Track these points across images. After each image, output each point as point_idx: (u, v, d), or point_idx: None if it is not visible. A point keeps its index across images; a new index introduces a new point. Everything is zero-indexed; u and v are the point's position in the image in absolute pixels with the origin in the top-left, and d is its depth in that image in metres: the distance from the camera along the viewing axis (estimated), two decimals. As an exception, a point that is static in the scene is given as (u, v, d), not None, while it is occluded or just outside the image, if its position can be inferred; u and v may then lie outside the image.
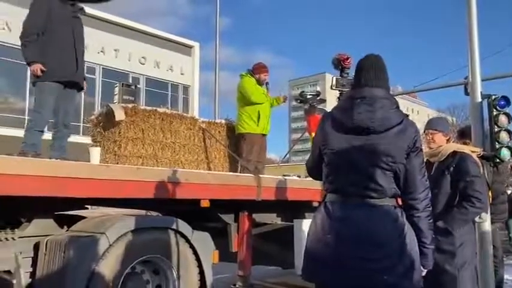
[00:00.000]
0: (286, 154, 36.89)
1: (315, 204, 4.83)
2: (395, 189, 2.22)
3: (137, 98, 6.94)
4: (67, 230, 3.69)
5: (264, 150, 6.39)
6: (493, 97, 5.37)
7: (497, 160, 5.29)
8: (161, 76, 23.23)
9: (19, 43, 4.34)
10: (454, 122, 40.85)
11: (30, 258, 3.42)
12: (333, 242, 2.17)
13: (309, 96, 5.91)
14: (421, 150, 2.29)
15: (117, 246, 3.49)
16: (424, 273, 2.27)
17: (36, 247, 3.44)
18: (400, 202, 2.27)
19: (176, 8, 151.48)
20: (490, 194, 4.41)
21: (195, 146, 5.97)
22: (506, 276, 6.13)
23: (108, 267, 3.39)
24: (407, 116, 2.33)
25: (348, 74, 5.05)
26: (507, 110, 5.37)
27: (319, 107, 5.98)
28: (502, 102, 5.36)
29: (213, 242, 4.25)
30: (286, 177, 5.49)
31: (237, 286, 4.83)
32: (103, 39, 20.28)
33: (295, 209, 5.16)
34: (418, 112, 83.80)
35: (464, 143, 4.69)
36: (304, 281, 2.37)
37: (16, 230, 3.44)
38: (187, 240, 4.01)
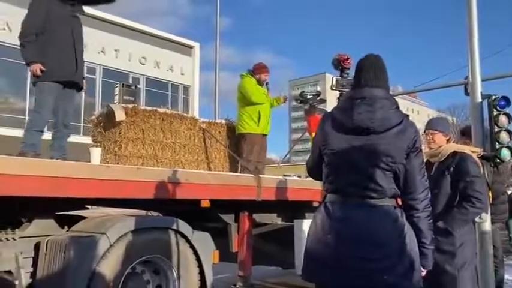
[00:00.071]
0: (287, 154, 36.94)
1: (315, 204, 4.83)
2: (395, 190, 2.22)
3: (137, 98, 6.95)
4: (67, 230, 3.69)
5: (264, 150, 6.39)
6: (493, 97, 5.38)
7: (498, 160, 5.29)
8: (161, 76, 23.23)
9: (19, 43, 4.35)
10: (454, 122, 40.85)
11: (31, 259, 3.42)
12: (333, 242, 2.17)
13: (309, 97, 5.91)
14: (421, 150, 2.29)
15: (118, 246, 3.49)
16: (424, 274, 2.27)
17: (37, 247, 3.44)
18: (400, 202, 2.27)
19: (176, 8, 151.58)
20: (490, 194, 4.41)
21: (196, 146, 5.97)
22: (506, 276, 6.13)
23: (108, 267, 3.40)
24: (408, 116, 2.33)
25: (347, 74, 5.05)
26: (507, 110, 5.38)
27: (319, 107, 5.98)
28: (502, 103, 5.37)
29: (214, 242, 4.26)
30: (286, 178, 5.49)
31: (237, 286, 4.83)
32: (103, 40, 20.28)
33: (295, 209, 5.16)
34: (418, 112, 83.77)
35: (465, 143, 4.70)
36: (304, 281, 2.37)
37: (17, 230, 3.44)
38: (188, 241, 4.01)
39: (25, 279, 3.32)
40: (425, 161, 3.12)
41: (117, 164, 4.99)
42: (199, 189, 4.04)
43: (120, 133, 5.25)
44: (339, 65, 5.06)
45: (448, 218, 3.46)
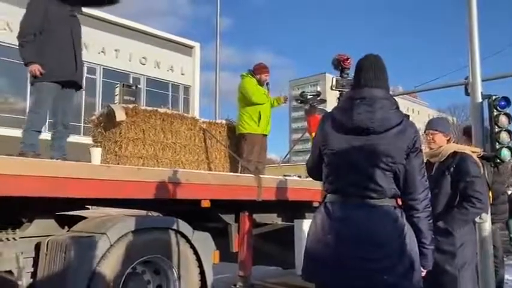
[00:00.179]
0: (287, 154, 36.86)
1: (316, 204, 4.83)
2: (395, 190, 2.22)
3: (138, 99, 6.96)
4: (68, 231, 3.69)
5: (264, 150, 6.39)
6: (494, 97, 5.39)
7: (498, 160, 5.29)
8: (162, 76, 23.24)
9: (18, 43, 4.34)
10: (454, 122, 40.84)
11: (32, 259, 3.42)
12: (333, 242, 2.17)
13: (309, 97, 5.92)
14: (421, 150, 2.29)
15: (118, 246, 3.49)
16: (423, 274, 2.27)
17: (37, 247, 3.44)
18: (400, 202, 2.27)
19: (176, 8, 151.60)
20: (490, 194, 4.41)
21: (196, 146, 5.97)
22: (506, 277, 6.13)
23: (109, 267, 3.40)
24: (408, 116, 2.33)
25: (347, 74, 5.05)
26: (507, 110, 5.38)
27: (319, 107, 5.98)
28: (503, 103, 5.37)
29: (214, 242, 4.26)
30: (286, 178, 5.49)
31: (237, 286, 4.83)
32: (103, 40, 20.29)
33: (295, 209, 5.16)
34: (418, 112, 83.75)
35: (467, 142, 4.70)
36: (304, 281, 2.38)
37: (17, 230, 3.45)
38: (188, 241, 4.01)
39: (26, 279, 3.32)
40: (425, 161, 3.12)
41: (118, 164, 4.99)
42: (200, 189, 4.04)
43: (120, 133, 5.25)
44: (339, 65, 5.06)
45: (448, 218, 3.46)
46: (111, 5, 5.19)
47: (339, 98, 4.85)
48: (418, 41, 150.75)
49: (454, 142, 3.94)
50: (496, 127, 5.33)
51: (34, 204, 3.34)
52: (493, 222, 5.30)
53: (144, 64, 22.44)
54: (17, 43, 4.34)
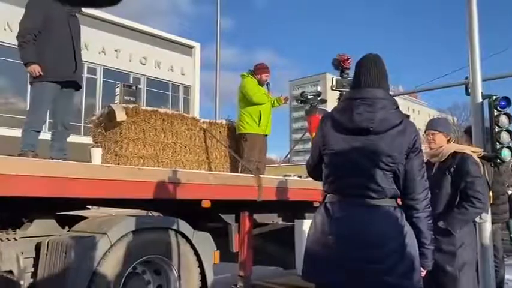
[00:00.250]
0: (287, 154, 36.86)
1: (316, 204, 4.83)
2: (395, 190, 2.22)
3: (138, 99, 6.95)
4: (68, 231, 3.70)
5: (264, 150, 6.39)
6: (494, 97, 5.38)
7: (498, 160, 5.29)
8: (162, 76, 23.25)
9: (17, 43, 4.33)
10: (455, 122, 40.85)
11: (32, 259, 3.43)
12: (333, 242, 2.17)
13: (309, 97, 5.92)
14: (421, 150, 2.29)
15: (119, 246, 3.50)
16: (423, 274, 2.27)
17: (38, 247, 3.45)
18: (400, 202, 2.27)
19: (178, 8, 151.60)
20: (490, 194, 4.41)
21: (196, 146, 5.97)
22: (507, 277, 6.12)
23: (109, 267, 3.40)
24: (408, 116, 2.33)
25: (347, 74, 5.05)
26: (508, 110, 5.38)
27: (319, 107, 5.99)
28: (503, 103, 5.37)
29: (214, 242, 4.26)
30: (287, 178, 5.49)
31: (238, 286, 4.82)
32: (104, 40, 20.31)
33: (296, 209, 5.16)
34: (419, 112, 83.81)
35: (468, 142, 4.70)
36: (304, 282, 2.38)
37: (18, 230, 3.45)
38: (188, 241, 4.01)
39: (26, 279, 3.33)
40: (425, 161, 3.12)
41: (118, 164, 4.99)
42: (200, 190, 4.04)
43: (121, 133, 5.25)
44: (339, 65, 5.06)
45: (448, 218, 3.46)
46: (111, 6, 5.16)
47: (339, 98, 4.85)
48: (419, 41, 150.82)
49: (454, 142, 3.94)
50: (497, 127, 5.33)
51: (34, 204, 3.35)
52: (493, 222, 5.30)
53: (144, 64, 22.46)
54: (17, 43, 4.34)
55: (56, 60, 4.33)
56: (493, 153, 5.22)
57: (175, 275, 3.92)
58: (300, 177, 6.76)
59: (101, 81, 20.55)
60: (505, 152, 5.25)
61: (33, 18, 4.30)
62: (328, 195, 2.33)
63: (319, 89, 37.47)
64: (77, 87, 4.68)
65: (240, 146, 6.23)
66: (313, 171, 2.52)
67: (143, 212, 4.67)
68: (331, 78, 5.33)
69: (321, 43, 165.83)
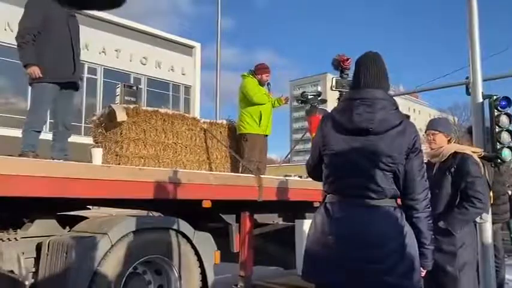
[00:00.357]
0: (288, 154, 36.87)
1: (316, 204, 4.83)
2: (395, 190, 2.22)
3: (139, 99, 6.95)
4: (69, 231, 3.70)
5: (265, 150, 6.40)
6: (494, 97, 5.38)
7: (499, 161, 5.29)
8: (163, 76, 23.26)
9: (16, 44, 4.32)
10: (455, 122, 40.85)
11: (33, 259, 3.43)
12: (333, 242, 2.18)
13: (310, 97, 5.92)
14: (421, 151, 2.29)
15: (119, 246, 3.50)
16: (423, 274, 2.27)
17: (39, 247, 3.46)
18: (400, 203, 2.27)
19: (178, 9, 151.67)
20: (491, 194, 4.41)
21: (197, 146, 5.97)
22: (507, 277, 6.12)
23: (110, 267, 3.41)
24: (408, 116, 2.33)
25: (347, 75, 5.05)
26: (508, 110, 5.37)
27: (320, 107, 5.99)
28: (504, 103, 5.36)
29: (215, 242, 4.26)
30: (287, 178, 5.49)
31: (238, 286, 4.82)
32: (104, 40, 20.31)
33: (296, 209, 5.16)
34: (419, 112, 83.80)
35: (470, 142, 4.69)
36: (305, 282, 2.38)
37: (19, 230, 3.46)
38: (189, 241, 4.02)
39: (27, 279, 3.33)
40: (426, 161, 3.12)
41: (119, 164, 4.99)
42: (201, 190, 4.04)
43: (121, 133, 5.25)
44: (339, 65, 5.06)
45: (448, 218, 3.46)
46: (111, 8, 5.15)
47: (338, 99, 4.85)
48: (419, 41, 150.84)
49: (454, 142, 3.94)
50: (497, 127, 5.32)
51: (35, 204, 3.35)
52: (493, 223, 5.30)
53: (145, 64, 22.46)
54: (16, 43, 4.33)
55: (55, 61, 4.32)
56: (493, 153, 5.21)
57: (176, 275, 3.92)
58: (300, 177, 6.76)
59: (102, 82, 20.56)
60: (506, 152, 5.25)
61: (33, 18, 4.29)
62: (328, 195, 2.33)
63: (319, 89, 37.47)
64: (76, 87, 4.68)
65: (240, 146, 6.23)
66: (313, 172, 2.52)
67: (144, 212, 4.68)
68: (331, 78, 5.33)
69: (321, 43, 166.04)
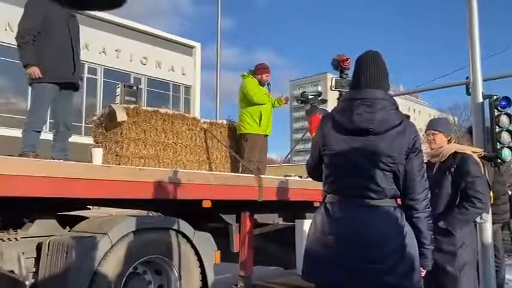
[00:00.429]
0: (288, 154, 36.87)
1: (316, 204, 4.83)
2: (395, 190, 2.22)
3: (139, 99, 6.94)
4: (69, 231, 3.71)
5: (265, 150, 6.40)
6: (494, 97, 5.38)
7: (499, 161, 5.29)
8: (163, 76, 23.26)
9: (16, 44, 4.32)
10: (455, 122, 40.85)
11: (33, 259, 3.44)
12: (333, 242, 2.18)
13: (310, 97, 5.92)
14: (421, 151, 2.29)
15: (119, 246, 3.50)
16: (423, 274, 2.27)
17: (39, 247, 3.46)
18: (400, 203, 2.27)
19: (178, 9, 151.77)
20: (491, 194, 4.41)
21: (197, 146, 5.97)
22: (507, 277, 6.12)
23: (110, 267, 3.41)
24: (408, 116, 2.33)
25: (347, 74, 5.05)
26: (508, 110, 5.37)
27: (320, 107, 5.99)
28: (504, 103, 5.36)
29: (215, 242, 4.26)
30: (287, 178, 5.49)
31: (238, 286, 4.83)
32: (104, 40, 20.32)
33: (296, 209, 5.16)
34: (419, 112, 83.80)
35: (471, 141, 4.69)
36: (305, 282, 2.38)
37: (19, 230, 3.46)
38: (189, 241, 4.02)
39: (27, 279, 3.33)
40: (426, 161, 3.12)
41: (119, 164, 4.99)
42: (201, 190, 4.04)
43: (121, 133, 5.25)
44: (339, 65, 5.05)
45: (449, 218, 3.47)
46: (111, 9, 5.14)
47: (338, 99, 4.85)
48: (419, 41, 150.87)
49: (455, 142, 3.94)
50: (497, 127, 5.32)
51: (35, 204, 3.35)
52: (493, 223, 5.30)
53: (145, 64, 22.47)
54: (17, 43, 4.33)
55: (55, 61, 4.32)
56: (493, 153, 5.21)
57: (176, 275, 3.93)
58: (300, 177, 6.76)
59: (102, 82, 20.56)
60: (506, 152, 5.25)
61: (33, 18, 4.29)
62: (328, 195, 2.33)
63: (319, 89, 37.44)
64: (76, 88, 4.68)
65: (240, 146, 6.24)
66: (313, 172, 2.52)
67: (144, 212, 4.68)
68: (331, 78, 5.33)
69: (321, 43, 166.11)
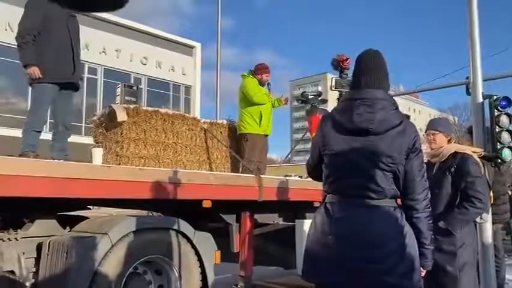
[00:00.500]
0: (288, 154, 36.87)
1: (317, 204, 4.83)
2: (395, 190, 2.22)
3: (139, 99, 6.94)
4: (69, 231, 3.71)
5: (265, 150, 6.40)
6: (495, 97, 5.37)
7: (499, 161, 5.29)
8: (163, 76, 23.27)
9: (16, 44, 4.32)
10: (455, 122, 40.86)
11: (33, 259, 3.44)
12: (333, 242, 2.18)
13: (310, 97, 5.92)
14: (421, 151, 2.29)
15: (120, 246, 3.51)
16: (423, 274, 2.27)
17: (39, 247, 3.46)
18: (400, 203, 2.27)
19: (179, 9, 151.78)
20: (491, 194, 4.41)
21: (197, 146, 5.97)
22: (507, 277, 6.12)
23: (110, 267, 3.41)
24: (408, 116, 2.33)
25: (347, 74, 5.05)
26: (508, 110, 5.37)
27: (320, 107, 5.99)
28: (504, 103, 5.36)
29: (215, 242, 4.27)
30: (287, 178, 5.49)
31: (238, 286, 4.83)
32: (104, 40, 20.32)
33: (296, 209, 5.17)
34: (419, 112, 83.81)
35: (471, 141, 4.69)
36: (305, 282, 2.38)
37: (19, 230, 3.47)
38: (189, 241, 4.02)
39: (27, 279, 3.34)
40: (426, 161, 3.12)
41: (119, 164, 5.00)
42: (201, 190, 4.04)
43: (121, 133, 5.25)
44: (338, 65, 5.05)
45: (449, 218, 3.47)
46: (112, 11, 5.14)
47: (338, 99, 4.85)
48: (419, 41, 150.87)
49: (455, 142, 3.95)
50: (497, 127, 5.32)
51: (35, 204, 3.35)
52: (494, 223, 5.30)
53: (145, 64, 22.47)
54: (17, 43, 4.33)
55: (55, 61, 4.32)
56: (493, 153, 5.21)
57: (176, 275, 3.93)
58: (300, 177, 6.76)
59: (102, 82, 20.57)
60: (506, 152, 5.24)
61: (33, 18, 4.29)
62: (328, 195, 2.33)
63: (319, 89, 37.46)
64: (76, 88, 4.68)
65: (240, 146, 6.24)
66: (313, 172, 2.52)
67: (144, 212, 4.68)
68: (331, 78, 5.33)
69: (321, 43, 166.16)
